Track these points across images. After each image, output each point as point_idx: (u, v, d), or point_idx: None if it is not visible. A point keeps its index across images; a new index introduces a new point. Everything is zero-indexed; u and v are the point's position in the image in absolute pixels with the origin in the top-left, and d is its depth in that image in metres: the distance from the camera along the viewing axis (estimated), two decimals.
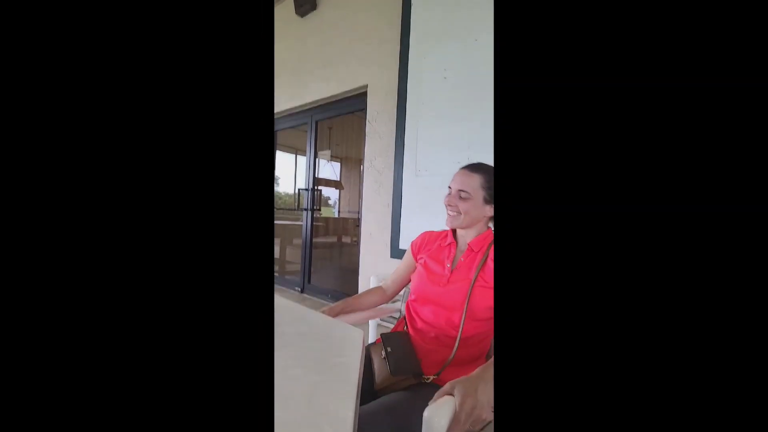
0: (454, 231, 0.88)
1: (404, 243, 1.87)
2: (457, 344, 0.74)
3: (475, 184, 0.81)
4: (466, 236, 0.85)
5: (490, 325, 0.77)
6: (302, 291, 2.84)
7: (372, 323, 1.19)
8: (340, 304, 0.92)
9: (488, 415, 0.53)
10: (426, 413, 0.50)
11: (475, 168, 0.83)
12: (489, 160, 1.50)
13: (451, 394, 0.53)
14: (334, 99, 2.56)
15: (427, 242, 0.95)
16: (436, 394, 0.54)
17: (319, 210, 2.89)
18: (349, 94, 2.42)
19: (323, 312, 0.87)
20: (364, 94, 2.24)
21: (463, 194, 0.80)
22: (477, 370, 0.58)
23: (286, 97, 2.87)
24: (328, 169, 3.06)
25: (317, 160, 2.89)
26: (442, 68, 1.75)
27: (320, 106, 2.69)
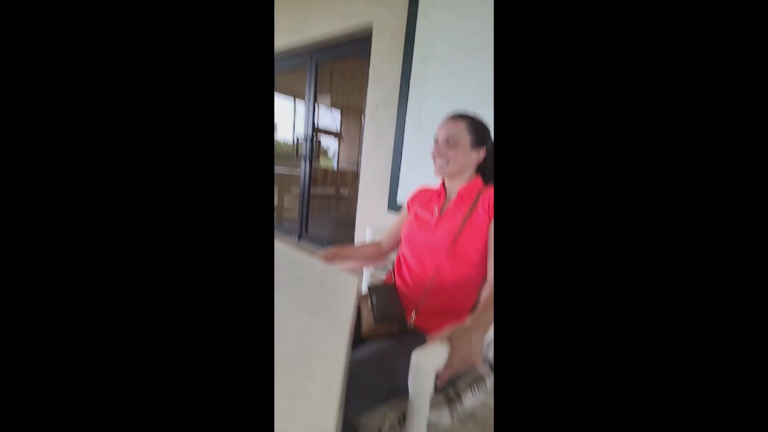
0: (443, 182, 0.91)
1: (402, 196, 1.86)
2: (438, 286, 0.76)
3: (461, 129, 0.83)
4: (455, 184, 0.87)
5: (477, 271, 0.79)
6: (299, 239, 2.89)
7: (366, 273, 1.22)
8: (333, 249, 0.94)
9: (478, 360, 0.56)
10: (414, 357, 0.52)
11: (459, 115, 0.85)
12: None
13: (445, 341, 0.55)
14: (336, 40, 2.39)
15: (420, 195, 0.97)
16: (433, 337, 0.56)
17: (318, 160, 2.83)
18: (353, 35, 2.25)
19: (319, 256, 0.88)
20: (369, 36, 2.08)
21: (451, 140, 0.82)
22: (469, 318, 0.60)
23: (285, 35, 2.67)
24: (328, 118, 2.95)
25: (317, 105, 2.77)
26: (454, 9, 1.61)
27: (321, 46, 2.52)
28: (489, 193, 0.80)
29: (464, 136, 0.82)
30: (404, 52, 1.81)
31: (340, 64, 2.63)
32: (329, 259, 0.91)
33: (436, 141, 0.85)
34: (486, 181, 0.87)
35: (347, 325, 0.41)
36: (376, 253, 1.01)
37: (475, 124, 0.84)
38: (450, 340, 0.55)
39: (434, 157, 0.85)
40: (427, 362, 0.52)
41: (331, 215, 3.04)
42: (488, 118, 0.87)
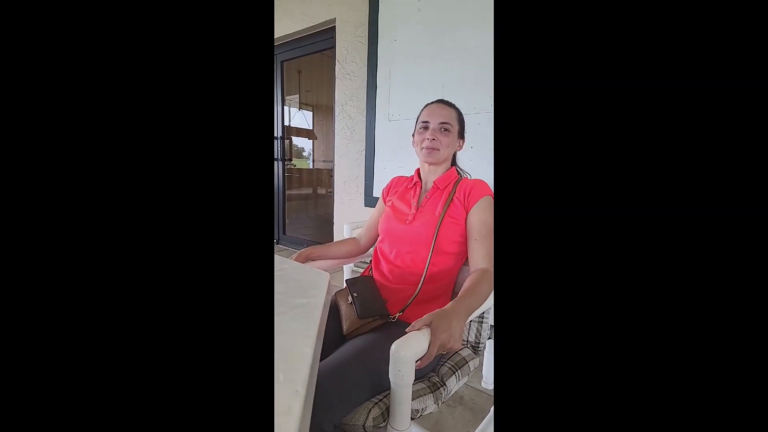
0: (418, 172, 0.90)
1: (378, 190, 1.85)
2: (423, 279, 0.76)
3: (454, 116, 0.83)
4: (432, 175, 0.86)
5: (456, 260, 0.80)
6: (278, 242, 2.84)
7: (347, 269, 1.20)
8: (308, 249, 0.92)
9: (457, 345, 0.57)
10: (392, 347, 0.52)
11: (448, 102, 0.85)
12: (464, 100, 1.46)
13: (425, 327, 0.55)
14: (300, 35, 2.34)
15: (395, 185, 0.95)
16: (412, 325, 0.56)
17: (291, 160, 2.78)
18: (317, 29, 2.21)
19: (292, 258, 0.86)
20: (332, 29, 2.05)
21: (446, 126, 0.81)
22: (450, 304, 0.60)
23: None
24: (300, 118, 2.90)
25: (286, 107, 2.71)
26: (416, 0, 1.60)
27: (285, 43, 2.46)
28: (465, 183, 0.80)
29: (456, 124, 0.82)
30: (368, 45, 1.80)
31: (308, 63, 2.58)
32: (303, 260, 0.89)
33: (426, 126, 0.82)
34: (460, 174, 0.87)
35: (316, 322, 0.40)
36: (353, 249, 0.99)
37: (460, 114, 0.85)
38: (430, 325, 0.55)
39: (422, 144, 0.82)
40: (406, 351, 0.52)
41: (309, 215, 3.00)
42: (457, 101, 0.89)
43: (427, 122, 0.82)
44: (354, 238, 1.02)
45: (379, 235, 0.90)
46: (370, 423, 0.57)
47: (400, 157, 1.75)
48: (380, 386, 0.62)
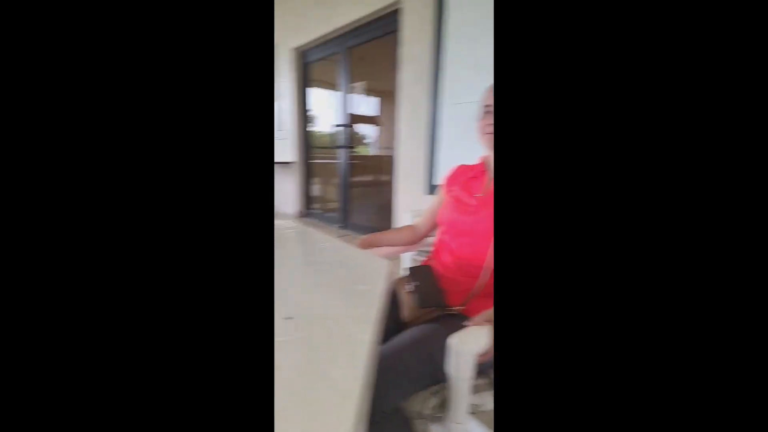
0: (483, 160, 0.85)
1: (440, 178, 1.81)
2: (485, 272, 0.72)
3: None
4: None
5: None
6: (344, 227, 2.96)
7: (407, 257, 1.21)
8: (369, 236, 0.93)
9: None
10: (452, 341, 0.51)
11: None
12: None
13: (487, 323, 0.53)
14: (367, 23, 2.34)
15: (459, 175, 0.91)
16: (475, 319, 0.55)
17: (353, 148, 2.84)
18: (381, 13, 2.19)
19: (354, 244, 0.89)
20: (397, 12, 2.01)
21: None
22: None
23: (313, 25, 2.68)
24: (365, 104, 2.94)
25: (351, 92, 2.76)
26: None
27: (352, 30, 2.49)
28: None
29: None
30: (434, 27, 1.73)
31: (374, 49, 2.59)
32: (365, 246, 0.92)
33: (489, 110, 0.75)
34: None
35: (375, 309, 0.41)
36: (411, 237, 0.99)
37: None
38: (491, 321, 0.53)
39: (485, 129, 0.76)
40: (466, 345, 0.51)
41: (373, 202, 3.07)
42: None
43: (490, 105, 0.75)
44: (412, 225, 1.01)
45: (437, 224, 0.88)
46: (428, 411, 0.58)
47: (463, 143, 1.68)
48: (436, 377, 0.62)
